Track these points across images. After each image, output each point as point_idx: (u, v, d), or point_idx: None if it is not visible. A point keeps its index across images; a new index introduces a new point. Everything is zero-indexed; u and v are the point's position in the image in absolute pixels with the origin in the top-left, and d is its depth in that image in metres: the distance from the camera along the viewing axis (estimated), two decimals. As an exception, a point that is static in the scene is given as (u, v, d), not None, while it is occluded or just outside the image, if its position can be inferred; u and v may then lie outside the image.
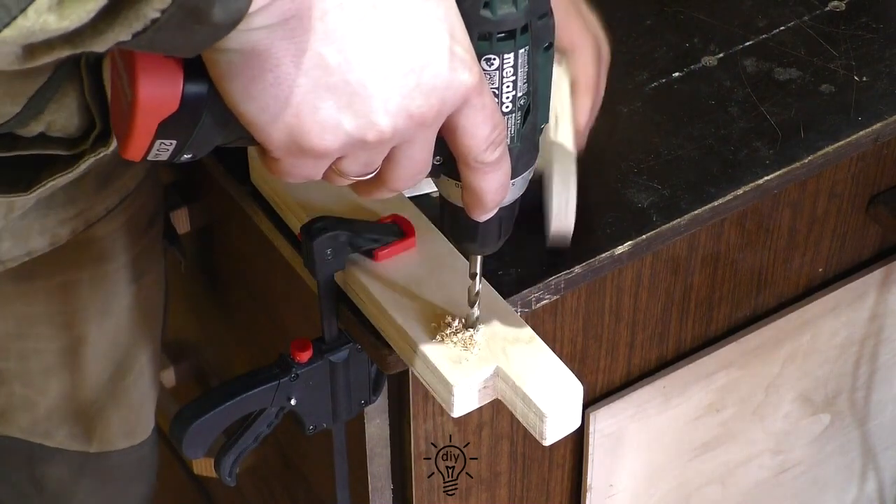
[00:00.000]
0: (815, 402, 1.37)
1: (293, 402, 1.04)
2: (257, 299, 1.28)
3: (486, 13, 0.77)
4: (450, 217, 0.87)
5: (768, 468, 1.39)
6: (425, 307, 0.97)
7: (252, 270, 1.27)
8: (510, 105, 0.81)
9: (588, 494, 1.25)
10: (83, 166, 0.94)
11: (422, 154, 0.78)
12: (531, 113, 0.82)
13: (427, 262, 1.00)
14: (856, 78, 1.16)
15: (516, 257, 1.03)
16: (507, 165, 0.81)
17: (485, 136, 0.78)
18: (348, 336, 1.03)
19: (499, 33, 0.78)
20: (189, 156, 0.76)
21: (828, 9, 1.23)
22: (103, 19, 0.63)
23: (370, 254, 1.00)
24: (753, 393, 1.31)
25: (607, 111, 1.14)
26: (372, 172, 0.78)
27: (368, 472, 1.13)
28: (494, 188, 0.81)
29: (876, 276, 1.31)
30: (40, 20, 0.61)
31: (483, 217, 0.84)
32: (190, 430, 1.01)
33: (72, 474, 1.27)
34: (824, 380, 1.36)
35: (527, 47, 0.79)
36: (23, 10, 0.60)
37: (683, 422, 1.27)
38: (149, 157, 0.75)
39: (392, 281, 0.99)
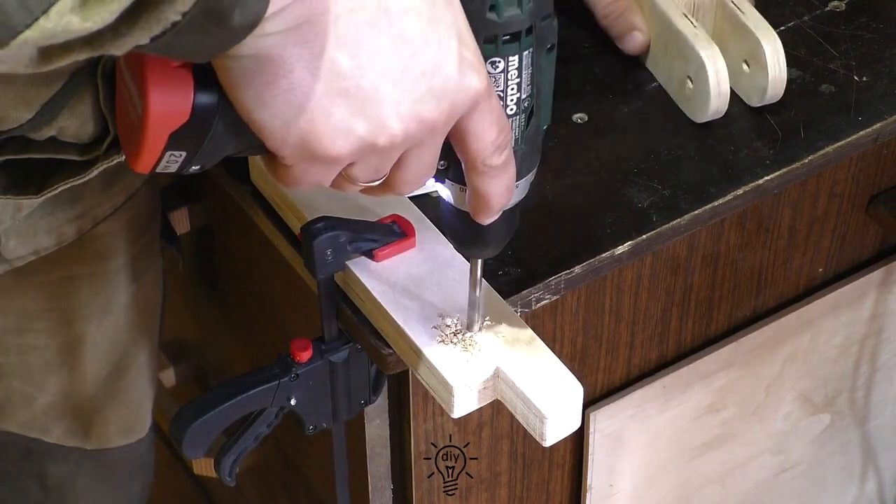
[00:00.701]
0: (815, 402, 1.37)
1: (293, 402, 1.04)
2: (257, 299, 1.28)
3: (491, 16, 0.77)
4: (452, 220, 0.86)
5: (768, 468, 1.39)
6: (425, 307, 0.97)
7: (252, 270, 1.27)
8: (514, 108, 0.81)
9: (588, 494, 1.25)
10: (95, 172, 0.94)
11: (430, 158, 0.78)
12: (534, 115, 0.82)
13: (427, 262, 1.00)
14: (856, 78, 1.16)
15: (516, 257, 1.03)
16: (512, 168, 0.81)
17: (492, 139, 0.78)
18: (348, 336, 1.03)
19: (504, 36, 0.78)
20: (197, 167, 0.75)
21: (828, 9, 1.22)
22: (124, 22, 0.62)
23: (370, 254, 1.00)
24: (753, 393, 1.31)
25: (607, 111, 1.14)
26: (381, 178, 0.78)
27: (368, 472, 1.13)
28: (500, 191, 0.81)
29: (876, 276, 1.31)
30: (63, 21, 0.60)
31: (488, 220, 0.84)
32: (190, 430, 1.01)
33: (70, 471, 1.27)
34: (824, 380, 1.36)
35: (531, 49, 0.79)
36: (45, 10, 0.60)
37: (683, 422, 1.27)
38: (158, 169, 0.74)
39: (392, 281, 0.99)
